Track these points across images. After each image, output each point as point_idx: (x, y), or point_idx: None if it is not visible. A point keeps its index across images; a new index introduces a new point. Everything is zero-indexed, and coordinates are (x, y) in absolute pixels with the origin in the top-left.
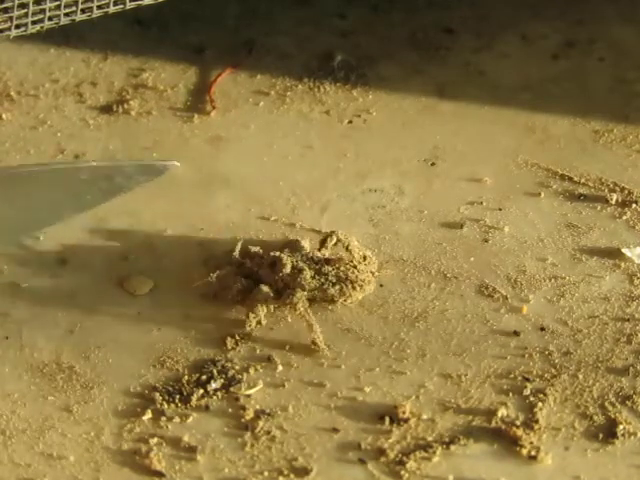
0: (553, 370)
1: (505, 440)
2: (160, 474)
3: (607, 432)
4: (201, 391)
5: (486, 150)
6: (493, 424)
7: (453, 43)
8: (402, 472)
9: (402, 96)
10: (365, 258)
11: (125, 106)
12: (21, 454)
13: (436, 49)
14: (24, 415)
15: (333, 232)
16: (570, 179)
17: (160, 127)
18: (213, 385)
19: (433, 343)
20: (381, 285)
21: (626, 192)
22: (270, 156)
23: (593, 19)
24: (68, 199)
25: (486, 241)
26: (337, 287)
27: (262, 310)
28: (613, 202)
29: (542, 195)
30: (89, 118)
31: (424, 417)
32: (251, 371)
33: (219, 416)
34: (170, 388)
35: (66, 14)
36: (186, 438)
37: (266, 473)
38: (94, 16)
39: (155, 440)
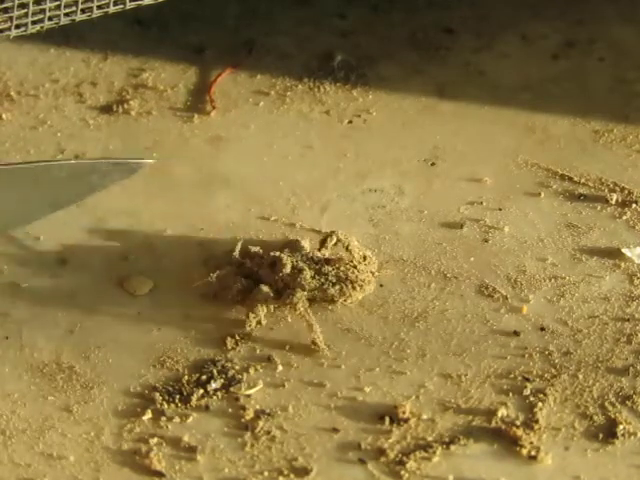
0: (553, 370)
1: (505, 440)
2: (160, 474)
3: (607, 432)
4: (201, 391)
5: (486, 150)
6: (493, 424)
7: (453, 43)
8: (402, 472)
9: (402, 96)
10: (365, 258)
11: (125, 106)
12: (21, 454)
13: (436, 49)
14: (24, 415)
15: (333, 232)
16: (570, 179)
17: (160, 127)
18: (213, 385)
19: (433, 343)
20: (381, 285)
21: (626, 192)
22: (270, 156)
23: (593, 19)
24: (42, 198)
25: (486, 241)
26: (337, 287)
27: (262, 310)
28: (613, 202)
29: (542, 195)
30: (89, 118)
31: (424, 417)
32: (251, 371)
33: (219, 416)
34: (170, 388)
35: (66, 14)
36: (186, 438)
37: (266, 473)
38: (94, 16)
39: (155, 440)
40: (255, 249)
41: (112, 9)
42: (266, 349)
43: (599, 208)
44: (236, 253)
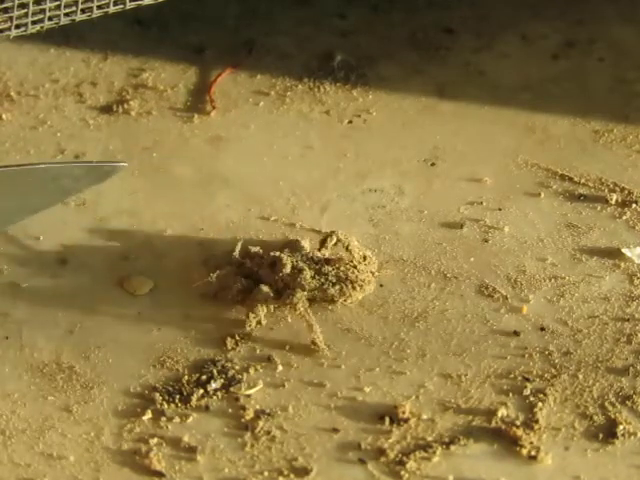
0: (553, 370)
1: (505, 440)
2: (160, 474)
3: (607, 432)
4: (201, 391)
5: (486, 150)
6: (493, 424)
7: (453, 43)
8: (402, 472)
9: (402, 96)
10: (365, 258)
11: (125, 106)
12: (21, 454)
13: (436, 49)
14: (24, 415)
15: (333, 232)
16: (570, 179)
17: (160, 127)
18: (213, 385)
19: (433, 343)
20: (381, 285)
21: (626, 192)
22: (270, 156)
23: (593, 19)
24: (14, 202)
25: (486, 241)
26: (337, 287)
27: (262, 310)
28: (613, 202)
29: (542, 195)
30: (89, 118)
31: (424, 417)
32: (251, 371)
33: (219, 416)
34: (170, 388)
35: (66, 14)
36: (186, 438)
37: (266, 473)
38: (94, 16)
39: (155, 440)
40: (255, 249)
41: (112, 9)
42: (266, 349)
43: (599, 208)
44: (236, 253)
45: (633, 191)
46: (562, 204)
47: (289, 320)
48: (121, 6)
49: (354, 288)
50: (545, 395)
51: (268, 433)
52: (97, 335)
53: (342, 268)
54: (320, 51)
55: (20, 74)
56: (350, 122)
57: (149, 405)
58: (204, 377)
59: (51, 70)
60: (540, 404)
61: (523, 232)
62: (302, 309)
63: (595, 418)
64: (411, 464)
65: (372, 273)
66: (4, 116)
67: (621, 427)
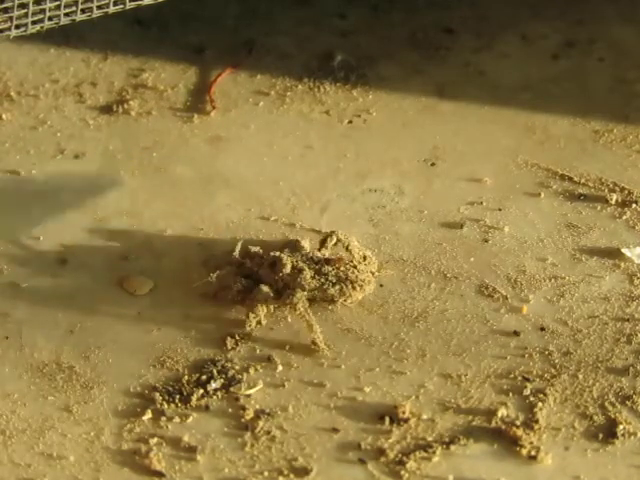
0: (553, 370)
1: (505, 440)
2: (160, 474)
3: (607, 432)
4: (201, 391)
5: (486, 150)
6: (493, 424)
7: (453, 43)
8: (402, 472)
9: (402, 96)
10: (365, 258)
11: (125, 106)
12: (21, 454)
13: (436, 49)
14: (24, 415)
15: (333, 232)
16: (570, 179)
17: (160, 127)
18: (213, 385)
19: (433, 343)
20: (381, 285)
21: (626, 192)
22: (270, 156)
23: (593, 19)
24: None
25: (486, 241)
26: (337, 287)
27: (262, 310)
28: (613, 202)
29: (542, 195)
30: (89, 118)
31: (424, 417)
32: (251, 371)
33: (219, 416)
34: (170, 388)
35: (66, 14)
36: (186, 438)
37: (266, 473)
38: (94, 16)
39: (155, 440)
40: (255, 249)
41: (112, 9)
42: (266, 349)
43: (599, 208)
44: (236, 253)
45: (633, 191)
46: (562, 204)
47: (289, 320)
48: (121, 6)
49: (354, 288)
50: (545, 395)
51: (268, 433)
52: (97, 335)
53: (342, 268)
54: (320, 51)
55: (20, 74)
56: (350, 122)
57: (149, 405)
58: (204, 377)
59: (51, 70)
60: (540, 404)
61: (523, 232)
62: (302, 309)
63: (595, 418)
64: (411, 464)
65: (372, 273)
66: (4, 116)
67: (621, 427)
